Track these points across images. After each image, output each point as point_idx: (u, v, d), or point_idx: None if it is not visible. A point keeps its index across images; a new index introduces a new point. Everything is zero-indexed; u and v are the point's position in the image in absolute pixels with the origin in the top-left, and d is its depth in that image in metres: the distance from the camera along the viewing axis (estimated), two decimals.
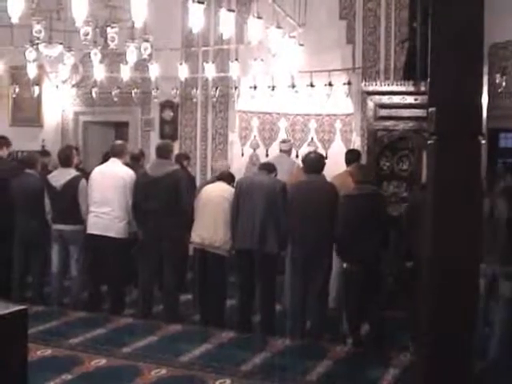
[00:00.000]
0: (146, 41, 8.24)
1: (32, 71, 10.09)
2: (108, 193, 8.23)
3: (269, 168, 7.98)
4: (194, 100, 12.02)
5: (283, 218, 7.53)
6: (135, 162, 9.58)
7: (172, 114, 12.51)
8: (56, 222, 8.43)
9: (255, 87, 11.31)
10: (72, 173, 8.47)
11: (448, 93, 3.07)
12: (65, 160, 8.58)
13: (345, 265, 7.38)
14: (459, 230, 3.11)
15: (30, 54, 9.27)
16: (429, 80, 3.15)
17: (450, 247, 3.15)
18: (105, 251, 8.27)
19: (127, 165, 8.73)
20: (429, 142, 3.13)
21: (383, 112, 8.79)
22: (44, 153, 11.08)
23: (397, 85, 8.88)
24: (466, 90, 3.05)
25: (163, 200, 7.86)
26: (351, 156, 8.81)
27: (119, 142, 9.42)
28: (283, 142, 10.74)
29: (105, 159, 9.35)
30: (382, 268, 7.34)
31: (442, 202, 3.11)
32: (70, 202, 8.32)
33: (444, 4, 3.12)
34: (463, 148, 3.04)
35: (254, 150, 11.95)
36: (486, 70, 2.97)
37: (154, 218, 7.93)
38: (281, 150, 10.34)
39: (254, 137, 12.06)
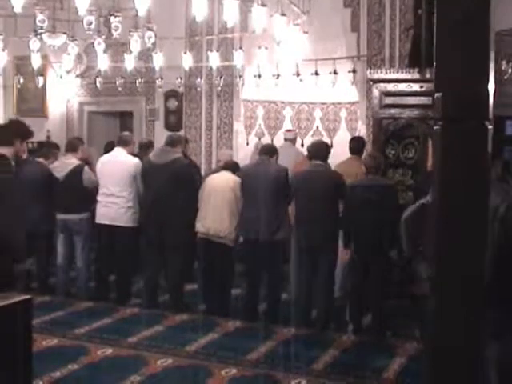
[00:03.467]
0: (150, 30, 8.19)
1: (36, 61, 10.05)
2: (115, 182, 8.24)
3: (270, 151, 7.93)
4: (199, 89, 12.00)
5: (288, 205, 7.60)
6: (143, 151, 9.54)
7: (176, 103, 12.49)
8: (60, 212, 8.42)
9: (260, 76, 11.26)
10: (74, 162, 8.46)
11: (454, 78, 3.03)
12: (68, 147, 8.62)
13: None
14: (466, 217, 3.09)
15: (34, 43, 9.22)
16: (435, 65, 3.11)
17: (456, 236, 3.13)
18: (113, 241, 8.28)
19: (135, 154, 8.75)
20: (435, 127, 3.10)
21: (388, 100, 8.75)
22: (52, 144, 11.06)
23: (402, 72, 8.83)
24: (472, 75, 3.02)
25: (166, 187, 7.85)
26: (356, 144, 8.78)
27: (126, 132, 9.48)
28: (288, 131, 10.72)
29: (107, 149, 9.35)
30: (388, 257, 7.32)
31: (449, 189, 3.08)
32: (74, 192, 8.31)
33: None
34: (470, 133, 3.02)
35: (259, 138, 11.92)
36: (492, 56, 2.96)
37: (158, 206, 7.92)
38: (285, 139, 10.30)
39: (259, 126, 12.04)
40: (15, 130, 6.15)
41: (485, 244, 3.20)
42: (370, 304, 7.46)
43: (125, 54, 10.07)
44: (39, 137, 12.20)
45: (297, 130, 11.18)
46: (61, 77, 12.35)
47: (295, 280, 7.86)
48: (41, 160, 8.75)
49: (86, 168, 8.48)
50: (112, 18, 7.78)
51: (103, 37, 9.14)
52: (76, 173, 8.36)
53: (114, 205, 8.26)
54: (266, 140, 11.73)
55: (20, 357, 3.71)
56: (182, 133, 11.89)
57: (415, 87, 8.56)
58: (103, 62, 10.35)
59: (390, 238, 7.17)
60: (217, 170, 8.60)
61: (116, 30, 7.78)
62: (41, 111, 13.40)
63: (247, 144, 11.88)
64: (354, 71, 10.98)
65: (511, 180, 6.33)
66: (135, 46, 8.70)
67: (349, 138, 10.41)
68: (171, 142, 8.23)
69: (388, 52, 10.91)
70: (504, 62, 9.40)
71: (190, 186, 8.06)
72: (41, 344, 6.56)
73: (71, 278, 8.77)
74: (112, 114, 13.61)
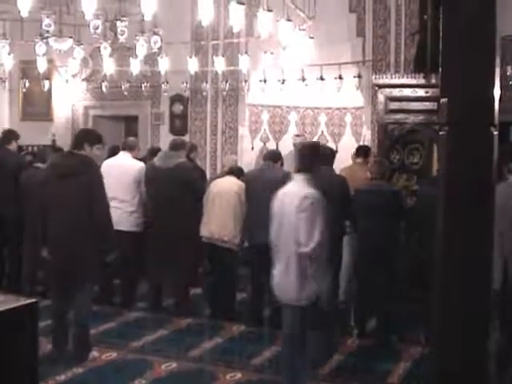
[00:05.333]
0: (156, 34, 8.22)
1: (42, 65, 10.09)
2: (119, 186, 8.22)
3: (274, 157, 7.94)
4: (204, 94, 12.02)
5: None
6: (150, 156, 9.49)
7: (182, 107, 12.51)
8: None
9: (265, 80, 11.29)
10: None
11: (460, 83, 3.05)
12: None
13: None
14: (471, 221, 3.10)
15: (40, 47, 9.26)
16: (440, 71, 3.12)
17: (462, 241, 3.14)
18: (116, 245, 8.26)
19: (141, 159, 8.74)
20: (441, 133, 3.11)
21: (393, 105, 8.76)
22: (55, 148, 11.07)
23: (407, 77, 8.84)
24: (478, 80, 3.03)
25: (170, 192, 7.84)
26: (362, 150, 8.82)
27: (131, 137, 9.49)
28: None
29: (110, 154, 9.33)
30: (393, 262, 7.32)
31: (454, 194, 3.09)
32: None
33: None
34: (476, 138, 3.03)
35: (264, 143, 11.94)
36: (497, 62, 2.96)
37: (162, 211, 7.92)
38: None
39: (264, 130, 12.05)
40: (83, 136, 6.72)
41: (490, 247, 3.21)
42: (375, 308, 7.46)
43: (130, 59, 10.11)
44: (44, 140, 12.25)
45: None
46: (66, 81, 12.40)
47: None
48: (42, 165, 8.63)
49: None
50: (118, 23, 7.82)
51: (109, 41, 9.19)
52: None
53: (118, 209, 8.21)
54: (271, 144, 11.75)
55: (26, 359, 3.72)
56: (187, 137, 11.90)
57: (420, 92, 8.57)
58: (109, 66, 10.40)
59: (395, 243, 7.19)
60: (221, 175, 8.60)
61: (122, 35, 7.82)
62: (46, 115, 13.44)
63: (252, 148, 11.90)
64: (359, 76, 10.99)
65: None
66: (141, 50, 8.74)
67: (354, 142, 10.46)
68: (175, 147, 8.23)
69: (393, 57, 10.92)
70: (509, 68, 9.40)
71: (193, 190, 8.05)
72: (45, 346, 6.55)
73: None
74: (117, 118, 13.63)
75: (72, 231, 6.28)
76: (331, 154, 7.75)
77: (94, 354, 6.59)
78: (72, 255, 6.29)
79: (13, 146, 9.06)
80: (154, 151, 9.66)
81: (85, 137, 6.72)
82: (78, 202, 6.29)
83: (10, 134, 9.23)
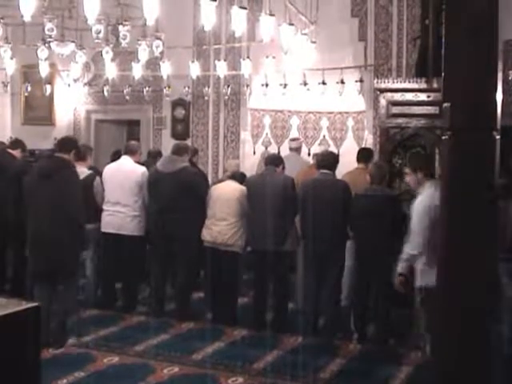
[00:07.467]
0: (158, 39, 8.22)
1: (44, 70, 10.10)
2: (121, 191, 8.23)
3: (275, 162, 7.95)
4: (206, 98, 12.01)
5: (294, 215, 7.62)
6: (151, 160, 9.49)
7: (184, 112, 12.51)
8: None
9: (267, 85, 11.28)
10: (84, 171, 8.36)
11: (462, 88, 3.05)
12: (77, 155, 8.58)
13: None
14: (473, 227, 3.10)
15: (42, 52, 9.26)
16: (443, 75, 3.13)
17: (464, 245, 3.14)
18: (119, 249, 8.27)
19: (142, 163, 8.74)
20: (443, 137, 3.11)
21: (395, 109, 8.75)
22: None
23: (409, 82, 8.85)
24: (480, 85, 3.03)
25: (173, 196, 7.85)
26: (363, 154, 8.78)
27: (133, 141, 9.51)
28: (292, 140, 10.70)
29: (113, 158, 9.33)
30: (390, 267, 7.31)
31: (456, 198, 3.09)
32: (83, 202, 8.26)
33: None
34: (478, 143, 3.03)
35: (266, 147, 11.93)
36: (499, 66, 2.98)
37: (165, 215, 7.92)
38: (290, 149, 10.30)
39: (266, 134, 12.05)
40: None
41: (495, 252, 3.22)
42: (374, 313, 7.45)
43: (132, 63, 10.10)
44: (46, 145, 12.24)
45: (301, 139, 11.18)
46: (68, 85, 12.37)
47: (302, 289, 7.86)
48: None
49: (98, 179, 8.38)
50: (120, 27, 7.83)
51: (111, 45, 9.19)
52: (87, 182, 8.20)
53: (120, 213, 8.24)
54: (273, 149, 11.74)
55: (28, 364, 3.72)
56: (189, 142, 11.90)
57: (422, 97, 8.56)
58: (111, 71, 10.40)
59: (390, 249, 7.19)
60: (223, 180, 8.60)
61: (124, 39, 7.83)
62: (48, 119, 13.43)
63: (254, 153, 11.90)
64: (361, 80, 10.99)
65: None
66: (143, 54, 8.75)
67: (355, 147, 10.43)
68: (178, 151, 8.23)
69: (395, 61, 10.93)
70: (511, 72, 9.40)
71: (196, 194, 8.05)
72: (47, 351, 6.56)
73: (79, 286, 8.75)
74: (119, 122, 13.62)
75: (49, 230, 6.73)
76: (334, 159, 7.76)
77: (71, 341, 6.97)
78: (50, 253, 6.74)
79: (18, 154, 9.06)
80: (154, 154, 9.69)
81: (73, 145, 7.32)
82: (53, 201, 6.72)
83: (18, 143, 9.26)
